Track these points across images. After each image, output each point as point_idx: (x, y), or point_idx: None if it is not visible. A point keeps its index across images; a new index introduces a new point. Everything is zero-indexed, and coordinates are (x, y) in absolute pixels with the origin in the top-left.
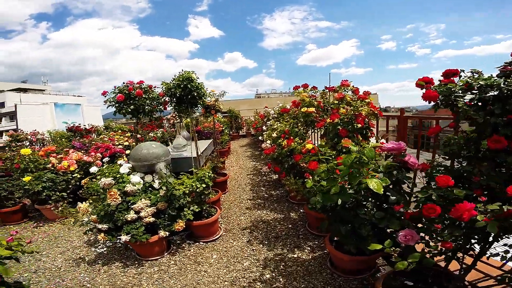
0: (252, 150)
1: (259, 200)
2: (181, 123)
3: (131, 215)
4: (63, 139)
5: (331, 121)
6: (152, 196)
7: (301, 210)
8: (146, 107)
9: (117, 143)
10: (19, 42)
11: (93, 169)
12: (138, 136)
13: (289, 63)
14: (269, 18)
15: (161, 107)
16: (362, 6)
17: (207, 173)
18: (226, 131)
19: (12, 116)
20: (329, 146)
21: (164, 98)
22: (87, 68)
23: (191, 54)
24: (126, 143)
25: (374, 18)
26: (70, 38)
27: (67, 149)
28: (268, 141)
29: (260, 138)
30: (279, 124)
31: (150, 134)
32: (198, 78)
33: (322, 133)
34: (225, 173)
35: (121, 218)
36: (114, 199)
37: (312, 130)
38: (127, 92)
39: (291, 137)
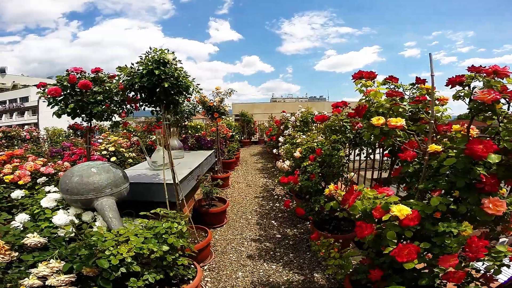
0: (264, 161)
1: (267, 244)
2: (168, 129)
3: (31, 282)
4: (60, 138)
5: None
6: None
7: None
8: (97, 106)
9: (102, 147)
10: (52, 39)
11: (16, 194)
12: (135, 139)
13: (307, 68)
14: (288, 23)
15: (128, 107)
16: (386, 13)
17: (174, 226)
18: (237, 136)
19: (35, 110)
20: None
21: (127, 92)
22: (113, 66)
23: (210, 56)
24: (112, 148)
25: (398, 25)
26: (99, 37)
27: (30, 155)
28: (287, 162)
29: (275, 150)
30: (303, 137)
31: (152, 137)
32: (178, 61)
33: (406, 171)
34: (224, 199)
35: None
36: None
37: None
38: (67, 84)
39: (330, 165)
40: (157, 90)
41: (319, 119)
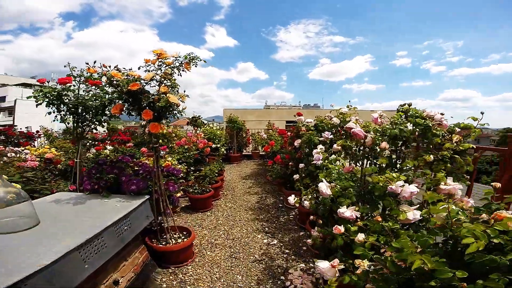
0: (261, 189)
1: None
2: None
3: None
4: None
5: None
6: None
7: None
8: None
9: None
10: (45, 39)
11: None
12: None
13: (301, 76)
14: (284, 30)
15: None
16: (379, 22)
17: None
18: (223, 150)
19: (11, 111)
20: None
21: None
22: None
23: (206, 62)
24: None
25: (391, 34)
26: (93, 38)
27: None
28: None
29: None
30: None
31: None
32: None
33: None
34: None
35: None
36: None
37: None
38: None
39: None
40: None
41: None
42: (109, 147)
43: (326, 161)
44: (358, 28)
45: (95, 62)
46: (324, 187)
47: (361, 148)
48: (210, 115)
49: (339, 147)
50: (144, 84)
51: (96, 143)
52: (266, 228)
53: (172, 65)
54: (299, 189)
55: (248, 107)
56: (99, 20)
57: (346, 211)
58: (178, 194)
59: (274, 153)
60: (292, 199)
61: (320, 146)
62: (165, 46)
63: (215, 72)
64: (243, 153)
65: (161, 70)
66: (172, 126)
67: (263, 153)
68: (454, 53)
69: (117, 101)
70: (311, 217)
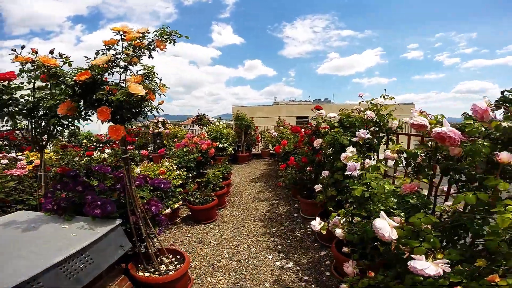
0: (273, 195)
1: None
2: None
3: None
4: None
5: None
6: None
7: None
8: None
9: None
10: (56, 43)
11: None
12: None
13: (309, 72)
14: (290, 26)
15: None
16: (388, 15)
17: None
18: (230, 149)
19: None
20: None
21: None
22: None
23: (213, 60)
24: None
25: (401, 27)
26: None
27: None
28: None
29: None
30: None
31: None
32: None
33: None
34: None
35: None
36: None
37: None
38: None
39: None
40: None
41: None
42: (107, 150)
43: (363, 170)
44: (366, 22)
45: (23, 47)
46: (385, 227)
47: (438, 157)
48: (220, 113)
49: (394, 155)
50: (101, 73)
51: (90, 146)
52: (279, 246)
53: (140, 46)
54: (322, 202)
55: (257, 103)
56: (107, 22)
57: (428, 266)
58: (176, 205)
59: (286, 154)
60: (316, 224)
61: (350, 148)
62: (173, 46)
63: (223, 70)
64: (252, 152)
65: (129, 51)
66: (171, 126)
67: (273, 151)
68: (468, 45)
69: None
70: (345, 248)
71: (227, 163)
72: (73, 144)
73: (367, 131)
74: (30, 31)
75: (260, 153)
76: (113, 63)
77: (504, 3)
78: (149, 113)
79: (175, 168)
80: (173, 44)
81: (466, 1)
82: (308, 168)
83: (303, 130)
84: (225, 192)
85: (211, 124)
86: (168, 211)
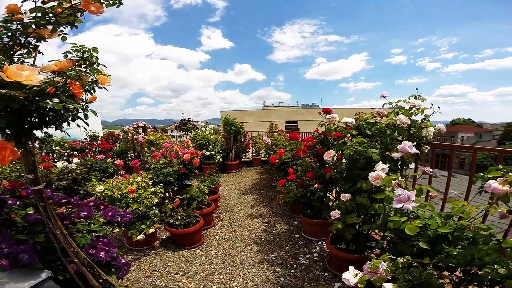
0: (267, 207)
1: None
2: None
3: None
4: None
5: None
6: None
7: None
8: None
9: None
10: (40, 45)
11: None
12: None
13: (297, 76)
14: (279, 31)
15: None
16: (375, 20)
17: None
18: (218, 157)
19: None
20: None
21: None
22: None
23: (202, 64)
24: None
25: (386, 32)
26: (89, 43)
27: None
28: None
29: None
30: None
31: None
32: None
33: None
34: None
35: None
36: None
37: None
38: None
39: None
40: None
41: None
42: (76, 160)
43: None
44: (353, 27)
45: None
46: None
47: None
48: (209, 117)
49: (506, 188)
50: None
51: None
52: (282, 278)
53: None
54: (343, 235)
55: (246, 108)
56: (93, 24)
57: None
58: (151, 230)
59: (283, 164)
60: (351, 277)
61: (381, 165)
62: (161, 49)
63: (212, 75)
64: (242, 159)
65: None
66: (153, 131)
67: (265, 158)
68: (449, 49)
69: None
70: None
71: (214, 174)
72: (45, 151)
73: (413, 143)
74: None
75: (251, 161)
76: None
77: (483, 9)
78: (74, 121)
79: (150, 184)
80: (118, 7)
81: (451, 5)
82: (316, 185)
83: (301, 136)
84: (213, 209)
85: (196, 130)
86: (140, 237)
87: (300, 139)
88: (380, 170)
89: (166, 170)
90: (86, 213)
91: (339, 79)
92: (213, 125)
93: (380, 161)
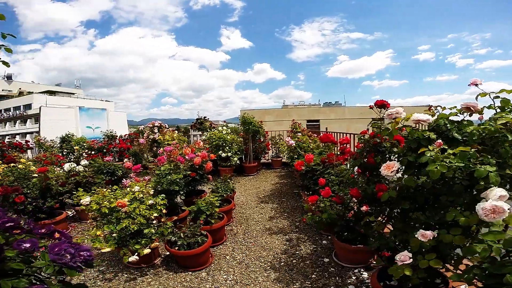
0: (289, 220)
1: None
2: None
3: None
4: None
5: None
6: None
7: None
8: None
9: None
10: (70, 48)
11: None
12: None
13: (319, 75)
14: (298, 29)
15: None
16: (398, 17)
17: None
18: (235, 158)
19: (37, 118)
20: None
21: None
22: (128, 75)
23: (222, 64)
24: None
25: (411, 29)
26: (115, 45)
27: None
28: None
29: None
30: None
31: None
32: None
33: None
34: None
35: None
36: None
37: None
38: None
39: None
40: None
41: None
42: (83, 162)
43: None
44: (375, 24)
45: None
46: None
47: None
48: (230, 117)
49: None
50: None
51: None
52: None
53: None
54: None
55: (266, 107)
56: (118, 27)
57: None
58: (146, 251)
59: (310, 172)
60: None
61: (498, 191)
62: (183, 50)
63: (232, 74)
64: (260, 161)
65: None
66: (170, 131)
67: (286, 160)
68: (482, 45)
69: None
70: None
71: (229, 180)
72: (65, 151)
73: None
74: (45, 36)
75: (270, 162)
76: None
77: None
78: None
79: (151, 194)
80: None
81: (478, 1)
82: (364, 208)
83: (338, 139)
84: (225, 224)
85: (213, 129)
86: (132, 258)
87: (334, 141)
88: (499, 196)
89: (170, 177)
90: (28, 245)
91: (362, 77)
92: (233, 124)
93: (497, 187)
